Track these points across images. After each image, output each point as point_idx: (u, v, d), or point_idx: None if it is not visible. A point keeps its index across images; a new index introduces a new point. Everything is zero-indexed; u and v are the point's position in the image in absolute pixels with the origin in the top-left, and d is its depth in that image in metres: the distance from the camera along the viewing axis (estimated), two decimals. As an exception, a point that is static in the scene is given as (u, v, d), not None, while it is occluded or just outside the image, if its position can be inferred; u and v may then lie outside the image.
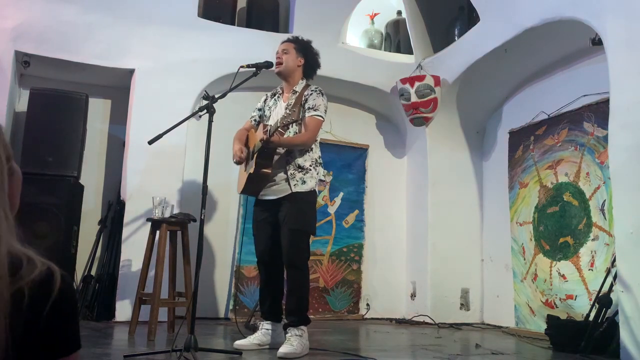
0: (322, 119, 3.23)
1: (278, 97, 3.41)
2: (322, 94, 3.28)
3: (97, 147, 4.88)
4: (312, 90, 3.28)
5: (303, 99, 3.25)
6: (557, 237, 4.21)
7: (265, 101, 3.49)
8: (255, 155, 3.16)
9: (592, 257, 3.86)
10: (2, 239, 0.80)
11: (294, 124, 3.19)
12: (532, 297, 4.38)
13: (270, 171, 3.16)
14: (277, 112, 3.32)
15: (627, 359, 2.90)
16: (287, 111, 3.04)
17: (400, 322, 5.08)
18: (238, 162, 3.32)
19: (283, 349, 2.94)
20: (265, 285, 3.31)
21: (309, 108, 3.21)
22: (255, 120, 3.48)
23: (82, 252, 4.44)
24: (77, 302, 0.88)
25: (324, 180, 3.46)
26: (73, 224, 4.16)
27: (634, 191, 3.00)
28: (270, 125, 3.12)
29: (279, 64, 3.30)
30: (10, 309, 0.76)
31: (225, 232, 4.97)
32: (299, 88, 3.32)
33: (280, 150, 3.19)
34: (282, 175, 3.19)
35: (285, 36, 3.54)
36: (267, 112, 3.41)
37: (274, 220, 3.22)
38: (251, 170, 3.15)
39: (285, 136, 3.16)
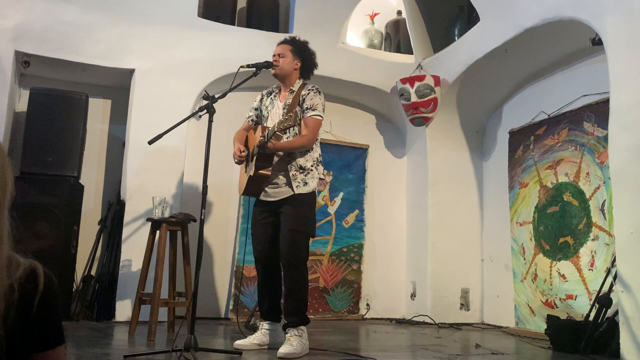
0: (321, 118, 3.23)
1: (275, 96, 3.40)
2: (320, 93, 3.28)
3: (97, 147, 4.88)
4: (309, 90, 3.28)
5: (300, 98, 3.25)
6: (557, 237, 4.21)
7: (261, 100, 3.47)
8: (254, 158, 3.16)
9: (592, 257, 3.86)
10: (3, 249, 0.85)
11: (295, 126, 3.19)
12: (532, 297, 4.38)
13: (269, 173, 3.16)
14: (275, 111, 3.31)
15: (627, 359, 2.89)
16: (285, 116, 3.03)
17: (400, 322, 5.08)
18: (238, 162, 3.32)
19: (283, 349, 2.94)
20: (263, 285, 3.31)
21: (307, 108, 3.21)
22: (252, 120, 3.47)
23: (82, 252, 4.44)
24: (59, 299, 0.97)
25: (323, 179, 3.46)
26: (73, 224, 4.16)
27: (634, 191, 3.00)
28: (269, 128, 3.11)
29: (275, 67, 3.30)
30: (4, 304, 0.81)
31: (225, 232, 4.97)
32: (295, 87, 3.32)
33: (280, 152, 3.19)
34: (283, 177, 3.19)
35: (282, 36, 3.54)
36: (264, 112, 3.40)
37: (274, 221, 3.22)
38: (251, 173, 3.16)
39: (285, 137, 3.16)
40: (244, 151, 3.28)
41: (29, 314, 0.84)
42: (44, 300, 0.86)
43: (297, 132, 3.23)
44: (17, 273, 0.84)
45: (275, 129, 2.98)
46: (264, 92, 3.49)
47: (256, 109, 3.48)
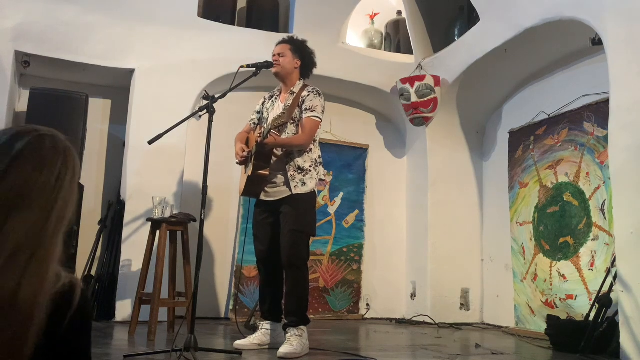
0: (319, 120, 3.23)
1: (275, 98, 3.42)
2: (320, 95, 3.29)
3: (97, 147, 4.88)
4: (309, 91, 3.28)
5: (300, 100, 3.26)
6: (557, 237, 4.21)
7: (263, 104, 3.50)
8: (252, 158, 3.17)
9: (592, 257, 3.86)
10: (52, 267, 0.83)
11: (292, 126, 3.21)
12: (532, 297, 4.38)
13: (267, 173, 3.17)
14: (275, 112, 3.32)
15: (627, 359, 2.90)
16: (279, 114, 3.07)
17: (400, 322, 5.08)
18: (240, 162, 3.33)
19: (283, 349, 2.94)
20: (265, 285, 3.32)
21: (306, 109, 3.22)
22: (254, 123, 3.48)
23: (82, 252, 4.43)
24: (92, 318, 0.92)
25: (324, 180, 3.46)
26: (73, 224, 4.14)
27: (634, 191, 3.00)
28: (264, 127, 3.13)
29: (276, 66, 3.30)
30: (43, 319, 0.79)
31: (225, 232, 4.97)
32: (296, 89, 3.33)
33: (278, 151, 3.20)
34: (281, 177, 3.20)
35: (282, 36, 3.54)
36: (265, 114, 3.42)
37: (274, 221, 3.23)
38: (249, 173, 3.16)
39: (282, 137, 3.17)
40: (245, 151, 3.28)
41: (57, 332, 0.82)
42: (75, 321, 0.84)
43: (295, 132, 3.23)
44: (54, 288, 0.83)
45: (270, 126, 3.00)
46: (267, 95, 3.52)
47: (258, 112, 3.50)
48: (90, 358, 0.89)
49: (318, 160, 3.29)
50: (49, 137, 0.92)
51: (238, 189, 3.52)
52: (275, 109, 3.34)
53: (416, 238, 5.35)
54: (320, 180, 3.32)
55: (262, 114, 3.45)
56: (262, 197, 3.27)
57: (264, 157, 3.16)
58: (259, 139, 3.07)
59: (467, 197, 5.29)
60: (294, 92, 3.32)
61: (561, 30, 3.92)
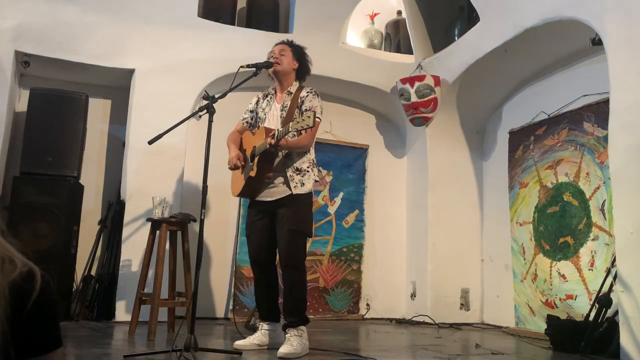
0: (319, 120, 3.23)
1: (271, 98, 3.40)
2: (317, 95, 3.29)
3: (97, 147, 4.88)
4: (307, 92, 3.29)
5: (299, 100, 3.26)
6: (557, 237, 4.21)
7: (257, 102, 3.47)
8: (256, 159, 3.15)
9: (592, 257, 3.86)
10: None
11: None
12: (532, 297, 4.38)
13: (272, 175, 3.17)
14: (272, 113, 3.31)
15: (627, 359, 2.90)
16: (301, 117, 2.99)
17: (400, 322, 5.08)
18: (233, 169, 3.30)
19: (283, 349, 2.94)
20: (260, 286, 3.31)
21: (306, 110, 3.21)
22: (247, 122, 3.45)
23: (82, 252, 4.44)
24: (57, 302, 0.92)
25: (318, 181, 3.46)
26: (73, 224, 4.15)
27: (634, 191, 3.00)
28: (279, 130, 3.05)
29: (276, 63, 3.30)
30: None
31: (225, 232, 4.97)
32: (293, 89, 3.33)
33: (280, 153, 3.19)
34: (280, 177, 3.19)
35: (282, 36, 3.55)
36: (260, 114, 3.40)
37: (269, 222, 3.22)
38: (252, 174, 3.13)
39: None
40: (241, 158, 3.25)
41: (20, 318, 0.82)
42: (37, 304, 0.83)
43: (294, 133, 3.22)
44: (12, 275, 0.82)
45: (289, 129, 2.94)
46: (260, 94, 3.49)
47: (252, 111, 3.47)
48: (59, 337, 0.89)
49: (314, 161, 3.30)
50: None
51: (231, 191, 3.46)
52: (273, 109, 3.33)
53: (416, 238, 5.35)
54: (315, 181, 3.32)
55: (258, 113, 3.43)
56: (258, 197, 3.25)
57: (270, 159, 3.15)
58: (272, 141, 3.01)
59: (467, 197, 5.29)
60: (291, 93, 3.32)
61: (561, 30, 3.92)
